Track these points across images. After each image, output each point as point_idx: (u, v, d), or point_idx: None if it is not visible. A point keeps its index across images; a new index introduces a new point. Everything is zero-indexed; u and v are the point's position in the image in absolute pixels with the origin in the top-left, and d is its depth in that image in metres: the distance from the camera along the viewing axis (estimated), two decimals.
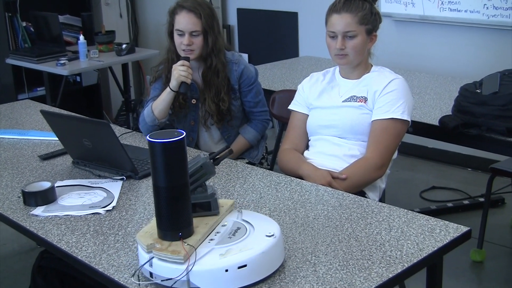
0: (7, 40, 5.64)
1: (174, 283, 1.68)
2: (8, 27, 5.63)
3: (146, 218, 2.21)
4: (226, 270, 1.68)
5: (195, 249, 1.73)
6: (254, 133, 3.22)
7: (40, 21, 5.61)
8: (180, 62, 2.97)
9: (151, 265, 1.73)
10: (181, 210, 1.75)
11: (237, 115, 3.17)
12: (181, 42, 3.00)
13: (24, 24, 5.72)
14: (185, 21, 2.99)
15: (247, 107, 3.20)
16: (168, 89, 3.00)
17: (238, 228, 1.86)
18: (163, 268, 1.71)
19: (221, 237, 1.81)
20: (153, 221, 1.84)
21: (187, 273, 1.67)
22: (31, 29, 5.75)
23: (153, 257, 1.73)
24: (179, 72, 2.94)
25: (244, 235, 1.81)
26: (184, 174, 1.75)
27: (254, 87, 3.17)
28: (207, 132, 3.18)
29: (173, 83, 2.97)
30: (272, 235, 1.80)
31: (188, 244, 1.73)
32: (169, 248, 1.72)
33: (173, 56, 3.10)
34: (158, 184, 1.73)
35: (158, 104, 3.04)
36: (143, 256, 1.77)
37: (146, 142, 2.97)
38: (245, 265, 1.70)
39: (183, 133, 1.72)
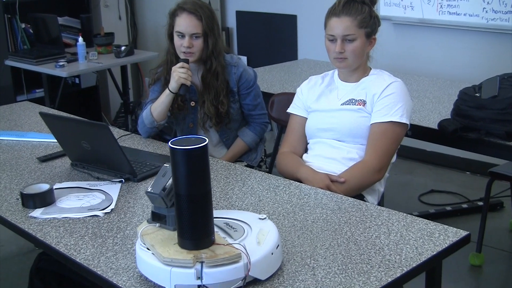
0: (6, 41, 5.64)
1: (245, 280, 1.70)
2: (7, 28, 5.63)
3: (144, 220, 2.20)
4: (272, 253, 1.77)
5: (242, 245, 1.74)
6: (252, 136, 3.22)
7: (39, 22, 5.60)
8: (179, 64, 2.96)
9: (198, 277, 1.67)
10: (204, 218, 1.73)
11: (235, 117, 3.17)
12: (181, 44, 3.00)
13: (23, 25, 5.72)
14: (185, 23, 2.99)
15: (245, 110, 3.20)
16: (167, 91, 2.99)
17: (229, 225, 1.89)
18: (219, 274, 1.68)
19: (230, 235, 1.83)
20: (148, 229, 1.84)
21: (249, 268, 1.70)
22: (30, 30, 5.74)
23: (201, 268, 1.68)
24: (179, 74, 2.94)
25: (242, 227, 1.87)
26: (206, 181, 1.72)
27: (253, 90, 3.17)
28: (206, 135, 3.17)
29: (173, 85, 2.97)
30: (265, 217, 1.93)
31: (228, 244, 1.74)
32: (218, 252, 1.71)
33: (173, 58, 3.10)
34: (180, 192, 1.70)
35: (157, 106, 3.04)
36: (163, 268, 1.71)
37: (145, 144, 3.01)
38: (278, 245, 1.81)
39: (205, 140, 1.69)
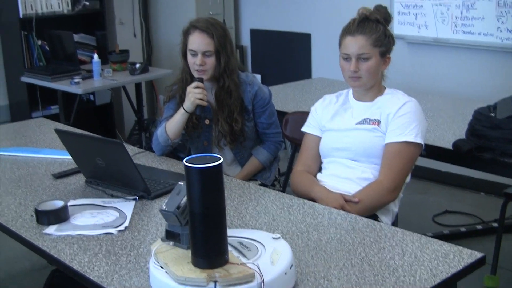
0: (22, 58, 5.68)
1: None
2: (24, 45, 5.68)
3: (158, 239, 2.20)
4: (286, 273, 1.77)
5: (256, 265, 1.73)
6: (266, 155, 3.21)
7: (55, 39, 5.65)
8: (194, 84, 2.97)
9: None
10: (218, 237, 1.73)
11: (250, 136, 3.17)
12: (194, 62, 3.01)
13: (39, 42, 5.77)
14: (198, 41, 3.00)
15: (260, 128, 3.20)
16: (182, 110, 3.00)
17: (243, 244, 1.88)
18: None
19: (244, 254, 1.82)
20: (162, 247, 1.84)
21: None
22: (46, 47, 5.79)
23: (215, 287, 1.68)
24: (195, 95, 2.95)
25: (256, 247, 1.86)
26: (221, 200, 1.72)
27: (267, 108, 3.17)
28: (220, 153, 3.17)
29: (188, 105, 2.97)
30: (278, 237, 1.92)
31: (242, 264, 1.74)
32: (231, 271, 1.70)
33: (187, 76, 3.11)
34: (195, 210, 1.70)
35: (172, 125, 3.04)
36: (176, 287, 1.71)
37: (159, 162, 3.01)
38: (291, 265, 1.81)
39: (220, 158, 1.69)
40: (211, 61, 3.01)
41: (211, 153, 3.14)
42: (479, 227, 4.30)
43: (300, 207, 2.46)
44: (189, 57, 3.04)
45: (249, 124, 3.15)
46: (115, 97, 6.31)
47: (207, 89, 3.07)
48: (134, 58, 6.00)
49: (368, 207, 2.62)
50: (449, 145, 3.14)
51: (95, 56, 5.28)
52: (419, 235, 2.16)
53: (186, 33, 3.07)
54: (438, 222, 4.45)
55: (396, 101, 2.71)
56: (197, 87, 2.96)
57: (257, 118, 3.18)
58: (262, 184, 3.16)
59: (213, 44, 3.00)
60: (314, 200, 2.61)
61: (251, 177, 3.21)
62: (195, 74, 3.03)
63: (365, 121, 2.73)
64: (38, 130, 3.70)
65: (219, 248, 1.73)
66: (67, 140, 2.80)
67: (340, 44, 2.74)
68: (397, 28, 5.05)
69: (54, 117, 5.09)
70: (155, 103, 6.83)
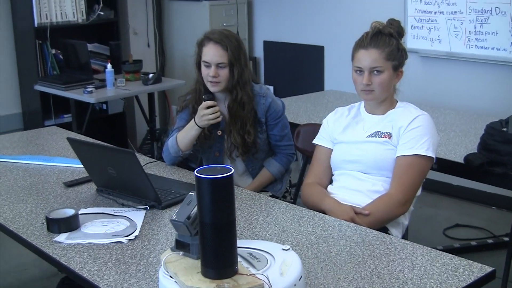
0: (36, 67, 5.72)
1: None
2: (38, 54, 5.71)
3: (168, 248, 2.20)
4: (295, 285, 1.75)
5: (266, 276, 1.73)
6: (278, 167, 3.22)
7: (69, 49, 5.68)
8: (204, 105, 2.98)
9: None
10: (228, 247, 1.73)
11: (262, 148, 3.18)
12: (207, 74, 3.02)
13: (53, 51, 5.80)
14: (211, 52, 3.02)
15: (272, 140, 3.20)
16: (194, 125, 3.01)
17: (252, 255, 1.88)
18: None
19: (253, 265, 1.82)
20: (172, 257, 1.84)
21: None
22: (60, 56, 5.82)
23: None
24: (208, 117, 2.96)
25: (266, 258, 1.85)
26: (231, 211, 1.72)
27: (280, 120, 3.18)
28: (232, 164, 3.17)
29: (202, 123, 2.98)
30: (288, 248, 1.90)
31: (251, 274, 1.73)
32: (240, 281, 1.70)
33: (201, 87, 3.12)
34: (205, 220, 1.70)
35: (183, 137, 3.05)
36: None
37: (170, 172, 3.02)
38: (301, 276, 1.78)
39: (231, 170, 1.69)
40: (224, 73, 3.02)
41: (223, 164, 3.15)
42: (490, 241, 4.28)
43: (310, 219, 2.45)
44: (203, 68, 3.06)
45: (261, 136, 3.16)
46: (128, 107, 6.33)
47: (220, 100, 3.08)
48: (147, 68, 6.03)
49: (379, 220, 2.61)
50: (460, 159, 3.14)
51: (109, 65, 5.30)
52: (429, 248, 2.16)
53: (200, 45, 3.08)
54: (448, 236, 4.43)
55: (408, 115, 2.71)
56: (209, 107, 2.97)
57: (270, 131, 3.18)
58: (273, 196, 3.15)
59: (227, 56, 3.01)
60: (324, 212, 2.61)
61: (262, 189, 3.21)
62: (209, 86, 3.04)
63: (377, 134, 2.73)
64: (50, 138, 3.72)
65: (228, 258, 1.73)
66: (79, 148, 2.81)
67: (352, 58, 2.75)
68: (411, 42, 5.05)
69: (66, 126, 5.11)
70: (168, 113, 6.86)
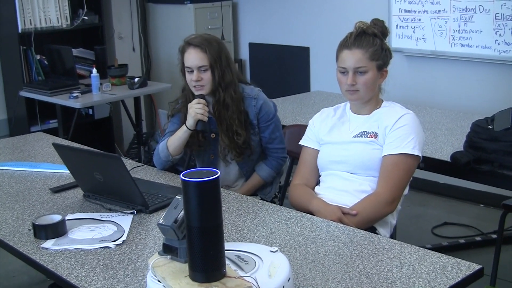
0: (21, 73, 5.68)
1: None
2: (23, 60, 5.68)
3: (156, 252, 2.20)
4: (283, 287, 1.76)
5: (254, 278, 1.73)
6: (268, 171, 3.21)
7: (54, 54, 5.65)
8: (195, 101, 2.98)
9: None
10: (216, 250, 1.73)
11: (257, 149, 3.17)
12: (191, 79, 3.02)
13: (38, 57, 5.77)
14: (191, 57, 3.01)
15: (263, 142, 3.19)
16: (184, 127, 3.00)
17: (240, 258, 1.88)
18: None
19: (241, 267, 1.82)
20: (159, 261, 1.84)
21: None
22: (45, 62, 5.79)
23: None
24: (195, 110, 2.95)
25: (254, 260, 1.86)
26: (218, 214, 1.72)
27: (272, 123, 3.16)
28: (227, 167, 3.18)
29: (190, 121, 2.98)
30: (276, 250, 1.92)
31: (239, 277, 1.73)
32: (229, 284, 1.70)
33: (189, 95, 3.11)
34: (192, 224, 1.70)
35: (174, 141, 3.05)
36: None
37: (157, 176, 3.01)
38: (289, 278, 1.80)
39: (217, 172, 1.69)
40: (207, 75, 3.01)
41: (217, 166, 3.14)
42: (478, 238, 4.30)
43: (298, 220, 2.45)
44: (187, 74, 3.05)
45: (255, 138, 3.15)
46: (114, 111, 6.31)
47: (209, 103, 3.07)
48: (133, 72, 6.01)
49: (366, 220, 2.62)
50: (447, 158, 3.15)
51: (94, 70, 5.27)
52: (417, 247, 2.16)
53: (182, 51, 3.07)
54: (437, 234, 4.45)
55: (393, 114, 2.71)
56: (198, 103, 2.97)
57: (261, 133, 3.17)
58: (262, 199, 3.15)
59: (207, 59, 3.00)
60: (312, 213, 2.61)
61: (252, 193, 3.20)
62: (194, 91, 3.04)
63: (363, 134, 2.74)
64: (36, 144, 3.70)
65: (216, 261, 1.73)
66: (65, 154, 2.80)
67: (337, 58, 2.75)
68: (395, 41, 5.07)
69: (52, 131, 5.09)
70: (154, 117, 6.84)
